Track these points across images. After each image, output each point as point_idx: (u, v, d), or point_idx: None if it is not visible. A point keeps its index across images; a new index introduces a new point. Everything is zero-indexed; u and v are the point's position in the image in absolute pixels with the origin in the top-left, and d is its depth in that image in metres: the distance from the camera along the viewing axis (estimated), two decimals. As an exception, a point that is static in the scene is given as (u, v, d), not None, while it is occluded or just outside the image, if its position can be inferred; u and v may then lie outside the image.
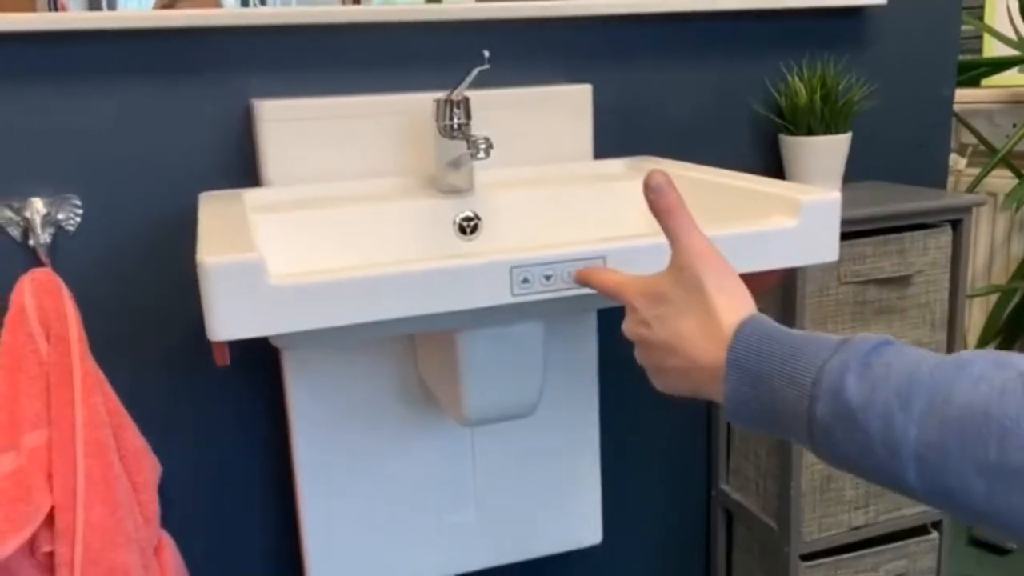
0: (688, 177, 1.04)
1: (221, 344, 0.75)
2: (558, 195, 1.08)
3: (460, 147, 1.02)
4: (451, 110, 1.03)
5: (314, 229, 0.99)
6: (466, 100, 1.03)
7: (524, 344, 0.94)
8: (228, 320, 0.70)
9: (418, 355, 1.10)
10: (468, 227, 1.04)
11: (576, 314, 1.17)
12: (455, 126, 1.03)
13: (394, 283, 0.73)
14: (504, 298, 0.77)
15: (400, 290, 0.73)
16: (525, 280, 0.77)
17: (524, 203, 1.07)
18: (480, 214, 1.05)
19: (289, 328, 0.71)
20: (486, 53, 0.96)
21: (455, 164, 1.04)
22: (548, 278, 0.78)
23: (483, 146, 0.94)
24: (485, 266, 0.76)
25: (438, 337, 0.97)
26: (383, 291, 0.73)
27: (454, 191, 1.05)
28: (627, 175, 1.14)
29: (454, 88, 1.02)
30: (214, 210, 0.92)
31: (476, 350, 0.93)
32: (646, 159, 1.21)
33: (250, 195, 1.03)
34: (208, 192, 1.05)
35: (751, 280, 0.93)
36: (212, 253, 0.70)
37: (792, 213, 0.87)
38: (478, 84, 1.17)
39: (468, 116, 1.03)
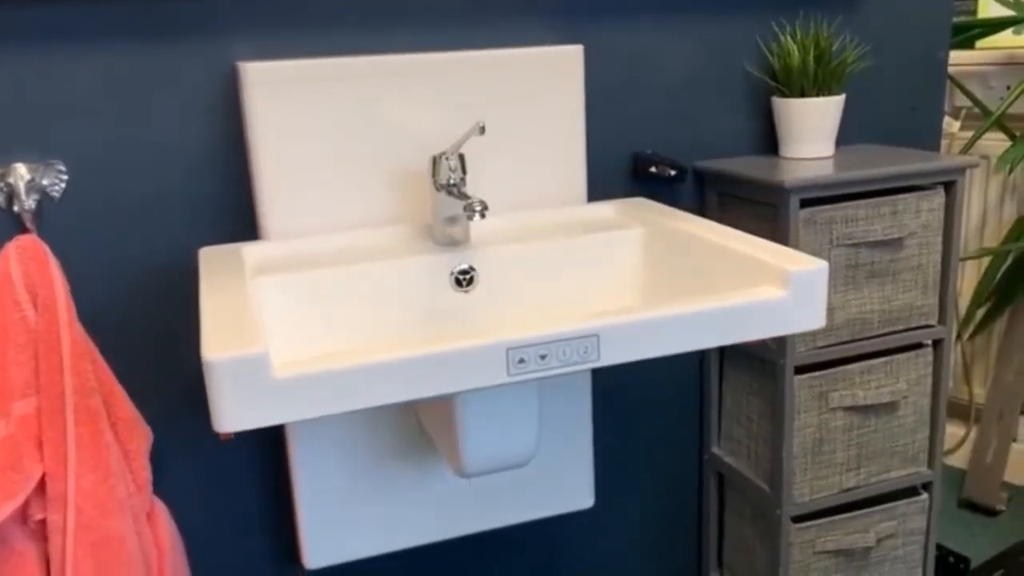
0: (680, 231, 1.05)
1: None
2: (552, 246, 1.10)
3: (456, 206, 1.03)
4: (446, 166, 1.03)
5: (314, 288, 1.01)
6: (461, 157, 1.04)
7: (520, 404, 0.97)
8: (234, 413, 0.73)
9: (418, 406, 1.13)
10: (464, 280, 1.06)
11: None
12: (451, 182, 1.04)
13: (393, 370, 0.76)
14: (500, 378, 0.79)
15: (399, 376, 0.76)
16: (521, 360, 0.79)
17: (519, 254, 1.09)
18: (476, 266, 1.07)
19: (292, 417, 0.75)
20: (482, 123, 0.98)
21: (451, 221, 1.06)
22: (543, 357, 0.80)
23: (478, 208, 0.95)
24: (482, 349, 0.78)
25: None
26: (383, 378, 0.76)
27: (451, 243, 1.07)
28: (620, 222, 1.15)
29: (461, 135, 1.04)
30: (215, 283, 0.92)
31: (473, 412, 0.95)
32: (639, 202, 1.21)
33: (249, 252, 1.05)
34: (207, 248, 1.06)
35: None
36: (217, 349, 0.72)
37: (781, 283, 0.87)
38: (467, 45, 1.16)
39: (464, 171, 1.04)
